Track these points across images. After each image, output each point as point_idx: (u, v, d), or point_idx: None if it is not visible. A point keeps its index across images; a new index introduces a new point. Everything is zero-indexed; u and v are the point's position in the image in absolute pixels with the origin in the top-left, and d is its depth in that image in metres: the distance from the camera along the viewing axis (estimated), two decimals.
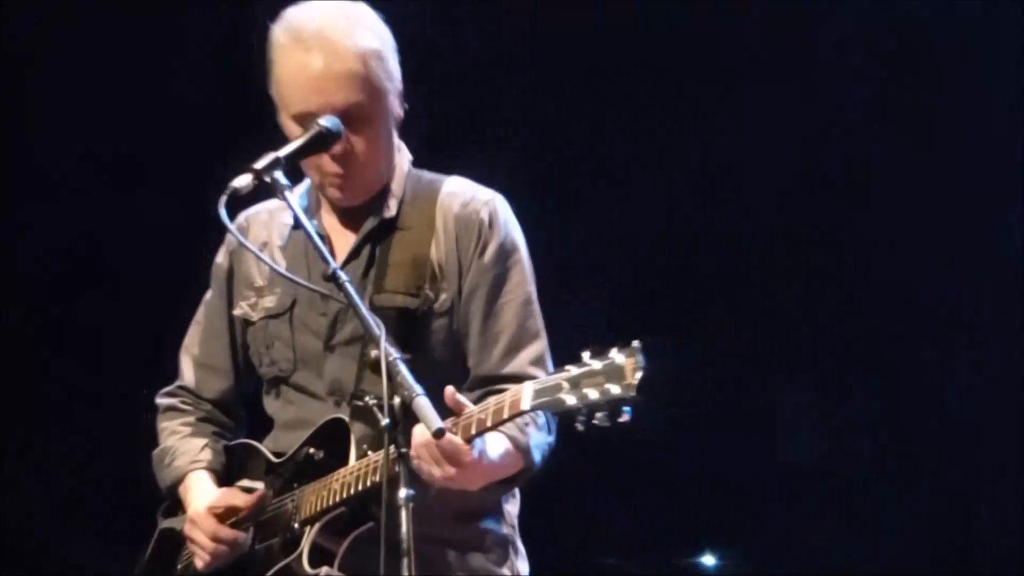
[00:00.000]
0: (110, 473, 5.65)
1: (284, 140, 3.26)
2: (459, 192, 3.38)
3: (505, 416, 3.02)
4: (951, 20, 6.33)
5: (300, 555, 3.23)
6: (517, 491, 3.47)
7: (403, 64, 3.39)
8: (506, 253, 3.38)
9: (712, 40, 6.43)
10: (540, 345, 3.40)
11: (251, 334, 3.47)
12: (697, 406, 6.29)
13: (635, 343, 2.97)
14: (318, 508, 3.24)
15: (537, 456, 3.26)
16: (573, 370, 2.99)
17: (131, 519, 3.78)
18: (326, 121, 3.21)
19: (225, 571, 3.37)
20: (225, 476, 3.46)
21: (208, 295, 3.57)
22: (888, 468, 6.45)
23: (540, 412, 3.18)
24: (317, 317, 3.34)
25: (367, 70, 3.24)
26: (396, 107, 3.32)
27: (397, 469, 2.94)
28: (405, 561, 2.88)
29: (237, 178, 3.05)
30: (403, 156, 3.41)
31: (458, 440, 3.02)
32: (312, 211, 3.40)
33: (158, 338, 3.96)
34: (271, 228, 3.44)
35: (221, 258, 3.51)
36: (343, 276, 3.02)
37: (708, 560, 6.48)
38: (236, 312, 3.50)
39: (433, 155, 3.55)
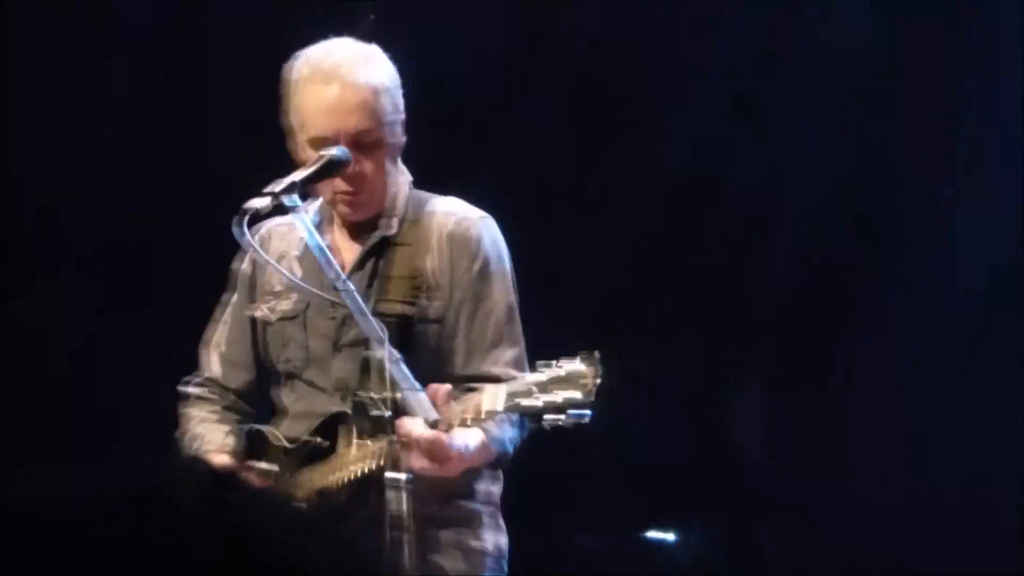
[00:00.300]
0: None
1: (293, 164, 3.56)
2: (453, 212, 3.70)
3: (483, 416, 3.34)
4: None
5: None
6: (501, 473, 3.76)
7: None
8: (492, 267, 3.68)
9: (681, 59, 6.46)
10: (517, 350, 3.69)
11: (269, 334, 3.74)
12: (664, 402, 6.42)
13: (595, 354, 3.29)
14: (320, 488, 3.52)
15: (509, 448, 3.57)
16: (541, 376, 3.30)
17: None
18: (336, 151, 3.50)
19: None
20: (244, 458, 3.70)
21: (233, 297, 3.82)
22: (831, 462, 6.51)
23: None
24: (326, 321, 3.64)
25: (376, 101, 3.57)
26: (400, 135, 3.64)
27: (392, 455, 3.33)
28: (405, 537, 3.28)
29: (255, 199, 3.32)
30: (404, 178, 3.72)
31: (444, 438, 3.34)
32: (324, 225, 3.69)
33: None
34: (289, 240, 3.73)
35: (245, 265, 3.79)
36: (350, 286, 3.37)
37: (668, 536, 6.61)
38: (257, 314, 3.76)
39: (425, 175, 3.85)
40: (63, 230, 6.14)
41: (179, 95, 6.04)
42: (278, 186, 3.35)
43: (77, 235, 6.13)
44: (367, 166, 3.58)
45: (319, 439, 3.62)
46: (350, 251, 3.69)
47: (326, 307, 3.62)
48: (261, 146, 3.83)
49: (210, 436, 3.75)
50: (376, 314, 3.49)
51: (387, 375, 3.37)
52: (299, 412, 3.69)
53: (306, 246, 3.58)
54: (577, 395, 3.26)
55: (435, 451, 3.35)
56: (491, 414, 3.34)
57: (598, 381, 3.28)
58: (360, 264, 3.65)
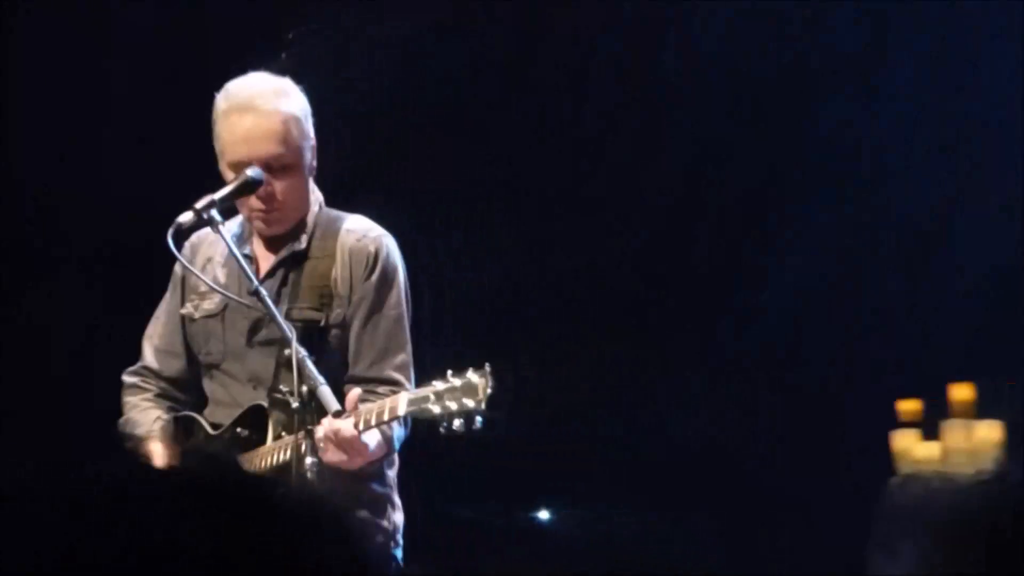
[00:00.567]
0: None
1: (221, 182, 3.91)
2: (355, 229, 4.02)
3: (386, 418, 3.70)
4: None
5: None
6: (396, 457, 4.07)
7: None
8: (386, 279, 3.99)
9: (598, 76, 6.59)
10: (404, 356, 4.00)
11: (194, 328, 4.08)
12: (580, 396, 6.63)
13: (487, 366, 3.63)
14: None
15: (396, 445, 3.94)
16: (439, 385, 3.65)
17: None
18: (251, 172, 3.82)
19: None
20: (173, 442, 4.00)
21: (168, 295, 4.16)
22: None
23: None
24: (242, 320, 3.99)
25: (287, 129, 3.88)
26: (310, 159, 3.95)
27: (305, 443, 3.67)
28: None
29: (181, 215, 3.76)
30: (315, 197, 4.03)
31: (355, 434, 3.68)
32: (245, 237, 4.04)
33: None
34: (216, 247, 4.04)
35: (178, 268, 4.10)
36: (263, 292, 3.75)
37: (543, 515, 6.84)
38: (184, 311, 4.10)
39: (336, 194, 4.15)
40: (63, 231, 6.22)
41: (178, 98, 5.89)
42: (200, 203, 3.76)
43: (77, 236, 6.21)
44: (278, 187, 3.89)
45: (239, 430, 3.97)
46: (266, 260, 4.03)
47: (243, 308, 3.95)
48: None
49: (143, 420, 4.08)
50: (287, 318, 3.85)
51: (294, 370, 3.68)
52: (219, 400, 4.06)
53: (228, 254, 3.93)
54: (470, 403, 3.60)
55: (350, 446, 3.70)
56: (393, 417, 3.71)
57: (489, 392, 3.61)
58: (272, 272, 4.00)
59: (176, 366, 4.15)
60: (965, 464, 4.52)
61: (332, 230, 4.03)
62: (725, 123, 6.65)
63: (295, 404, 3.69)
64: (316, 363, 3.74)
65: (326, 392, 3.68)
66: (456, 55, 6.51)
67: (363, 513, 4.01)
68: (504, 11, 6.53)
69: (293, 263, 4.01)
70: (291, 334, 3.70)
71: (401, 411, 3.69)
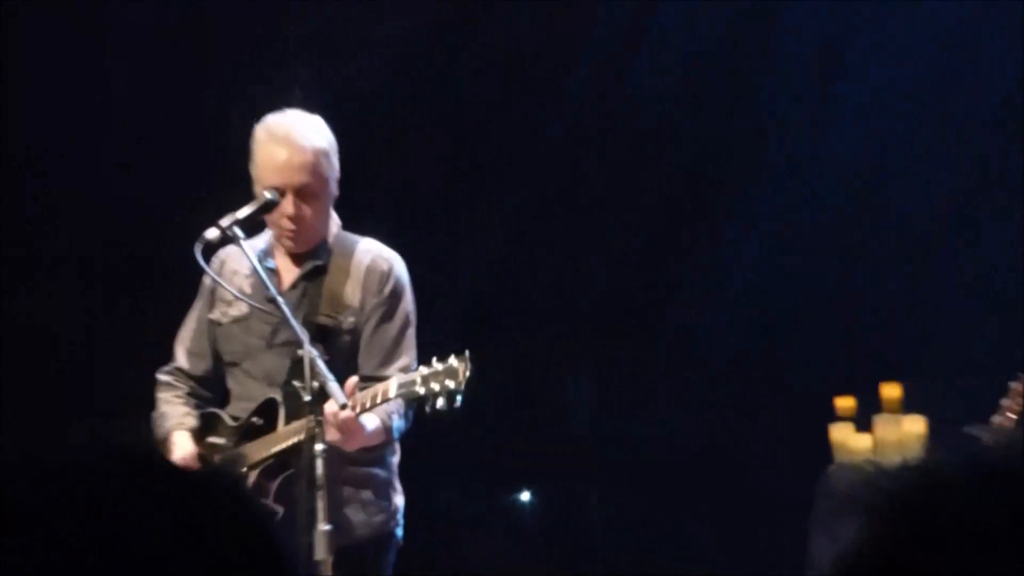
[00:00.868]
0: None
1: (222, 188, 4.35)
2: (370, 250, 4.46)
3: (379, 401, 4.07)
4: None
5: None
6: (398, 445, 4.45)
7: None
8: (396, 294, 4.43)
9: (542, 88, 6.80)
10: (407, 360, 4.38)
11: (220, 331, 4.48)
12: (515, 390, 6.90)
13: (466, 352, 4.06)
14: (258, 459, 4.28)
15: (396, 435, 4.31)
16: (424, 370, 4.06)
17: None
18: (269, 195, 4.24)
19: None
20: (199, 434, 4.45)
21: (198, 304, 4.55)
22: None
23: (404, 407, 4.25)
24: (263, 325, 4.40)
25: (316, 162, 4.30)
26: (334, 189, 4.38)
27: (315, 431, 4.06)
28: (320, 493, 4.00)
29: (208, 231, 4.17)
30: (335, 221, 4.47)
31: (352, 415, 4.05)
32: (271, 251, 4.43)
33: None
34: (242, 261, 4.39)
35: (207, 280, 4.48)
36: (280, 299, 4.18)
37: (524, 496, 7.15)
38: (212, 317, 4.50)
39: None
40: (64, 233, 6.37)
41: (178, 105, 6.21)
42: (224, 221, 4.20)
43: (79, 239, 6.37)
44: (305, 211, 4.32)
45: (255, 419, 4.36)
46: (289, 273, 4.45)
47: (264, 314, 4.36)
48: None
49: (173, 412, 4.50)
50: (306, 323, 4.28)
51: (306, 368, 4.08)
52: (238, 395, 4.49)
53: (254, 266, 4.35)
54: (452, 384, 4.01)
55: (347, 427, 4.08)
56: (385, 400, 4.10)
57: (467, 374, 4.02)
58: (295, 284, 4.44)
59: (203, 366, 4.54)
60: (893, 453, 5.05)
61: (348, 250, 4.46)
62: (724, 123, 6.81)
63: (307, 397, 4.07)
64: (329, 363, 4.11)
65: (335, 387, 4.04)
66: (436, 57, 6.70)
67: (368, 495, 4.43)
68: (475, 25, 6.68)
69: (313, 276, 4.44)
70: (304, 336, 4.11)
71: (392, 394, 4.07)
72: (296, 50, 6.50)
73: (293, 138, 4.32)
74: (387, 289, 4.44)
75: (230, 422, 4.46)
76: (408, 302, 4.48)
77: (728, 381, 6.76)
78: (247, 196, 4.37)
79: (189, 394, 4.57)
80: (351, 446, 4.17)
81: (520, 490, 7.16)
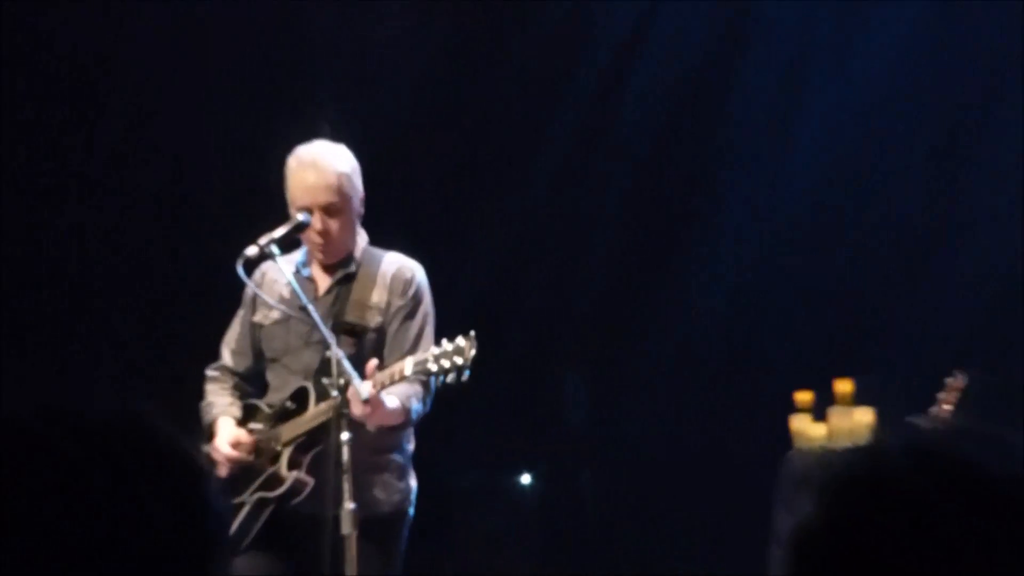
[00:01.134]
0: None
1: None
2: (395, 261, 4.93)
3: (396, 379, 4.53)
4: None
5: (280, 464, 4.78)
6: (412, 434, 4.88)
7: None
8: (418, 298, 4.90)
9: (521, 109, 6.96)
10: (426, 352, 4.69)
11: (263, 332, 4.96)
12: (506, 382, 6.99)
13: (471, 333, 4.50)
14: (291, 436, 4.76)
15: (414, 416, 4.71)
16: (435, 350, 4.51)
17: None
18: (302, 216, 4.73)
19: (234, 475, 4.80)
20: (241, 420, 4.94)
21: (241, 311, 5.03)
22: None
23: (423, 392, 4.69)
24: (301, 326, 4.85)
25: (340, 183, 4.79)
26: (358, 207, 4.86)
27: (342, 411, 4.55)
28: (346, 476, 4.48)
29: (247, 248, 4.67)
30: (362, 236, 4.95)
31: (374, 391, 4.47)
32: (308, 262, 4.91)
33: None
34: (281, 273, 4.85)
35: (249, 290, 4.94)
36: (310, 307, 4.65)
37: (525, 479, 7.36)
38: (256, 319, 4.98)
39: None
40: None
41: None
42: (262, 240, 4.74)
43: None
44: (332, 226, 4.80)
45: (288, 404, 4.83)
46: (323, 281, 4.95)
47: (301, 318, 4.84)
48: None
49: (219, 402, 5.02)
50: (338, 323, 4.81)
51: (333, 367, 4.58)
52: (276, 387, 5.00)
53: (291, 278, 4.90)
54: (460, 361, 4.46)
55: (371, 402, 4.51)
56: (403, 377, 4.55)
57: (473, 352, 4.47)
58: (328, 291, 4.94)
59: (245, 364, 5.04)
60: (845, 440, 5.49)
61: (375, 261, 4.95)
62: (725, 123, 6.86)
63: (334, 393, 4.57)
64: (357, 358, 4.61)
65: (358, 382, 4.53)
66: (436, 57, 6.82)
67: (388, 477, 4.89)
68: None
69: (345, 283, 4.92)
70: (331, 338, 4.61)
71: (408, 371, 4.54)
72: (320, 80, 6.83)
73: (319, 163, 4.81)
74: (410, 292, 4.89)
75: (267, 409, 4.95)
76: (428, 304, 4.93)
77: (715, 377, 6.92)
78: (282, 218, 4.86)
79: (234, 387, 5.06)
80: (373, 422, 4.58)
81: (520, 473, 7.35)
